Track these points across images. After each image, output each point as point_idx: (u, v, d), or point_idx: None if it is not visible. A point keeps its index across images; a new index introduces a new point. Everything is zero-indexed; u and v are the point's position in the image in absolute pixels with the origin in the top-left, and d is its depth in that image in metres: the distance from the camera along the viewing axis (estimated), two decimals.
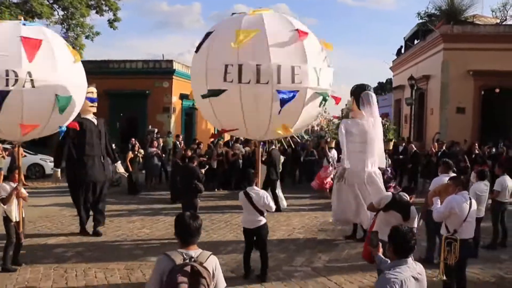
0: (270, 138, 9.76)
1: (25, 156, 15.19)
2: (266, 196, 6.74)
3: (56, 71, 6.55)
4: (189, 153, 11.89)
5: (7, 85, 6.10)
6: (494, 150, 15.38)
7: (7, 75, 6.06)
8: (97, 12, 22.10)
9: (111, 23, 22.73)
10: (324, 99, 7.22)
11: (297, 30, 6.74)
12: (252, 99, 6.74)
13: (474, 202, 5.59)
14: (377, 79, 68.68)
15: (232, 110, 6.90)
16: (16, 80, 6.15)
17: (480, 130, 19.48)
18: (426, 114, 21.90)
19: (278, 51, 6.61)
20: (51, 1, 19.88)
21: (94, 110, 9.06)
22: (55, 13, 20.28)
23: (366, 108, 8.64)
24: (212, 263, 3.19)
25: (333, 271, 7.02)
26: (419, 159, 14.27)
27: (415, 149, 14.54)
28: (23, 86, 6.17)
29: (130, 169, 13.22)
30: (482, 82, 19.38)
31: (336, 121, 14.66)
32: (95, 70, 22.44)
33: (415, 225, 5.49)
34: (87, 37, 21.82)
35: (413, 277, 3.18)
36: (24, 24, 6.86)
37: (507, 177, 8.14)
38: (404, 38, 27.71)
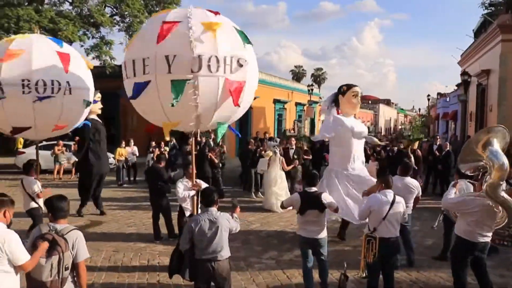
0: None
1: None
2: None
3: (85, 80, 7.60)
4: (157, 152, 12.65)
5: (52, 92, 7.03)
6: None
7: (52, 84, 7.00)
8: None
9: None
10: None
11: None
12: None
13: (400, 202, 5.57)
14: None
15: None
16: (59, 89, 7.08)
17: None
18: (487, 112, 20.56)
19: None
20: (112, 12, 21.79)
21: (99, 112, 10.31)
22: (118, 21, 22.12)
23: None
24: (74, 236, 3.88)
25: (294, 265, 7.26)
26: (451, 160, 13.55)
27: (448, 148, 13.85)
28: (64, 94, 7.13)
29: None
30: None
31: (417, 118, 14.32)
32: None
33: (335, 206, 5.91)
34: None
35: (208, 219, 4.75)
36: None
37: None
38: (472, 30, 26.10)
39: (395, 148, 14.29)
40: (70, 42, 19.62)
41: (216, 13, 6.28)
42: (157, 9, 24.19)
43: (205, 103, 5.88)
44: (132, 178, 16.13)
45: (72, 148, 16.80)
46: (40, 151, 17.12)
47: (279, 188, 11.59)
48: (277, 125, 31.06)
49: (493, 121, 19.07)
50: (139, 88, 5.92)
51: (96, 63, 21.94)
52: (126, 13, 21.91)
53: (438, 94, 46.28)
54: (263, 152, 12.23)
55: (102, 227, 9.75)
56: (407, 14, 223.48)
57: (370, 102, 74.17)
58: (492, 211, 5.25)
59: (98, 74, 23.14)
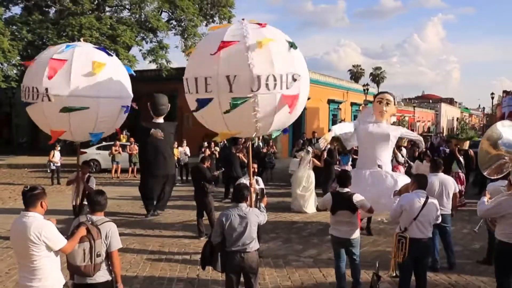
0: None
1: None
2: None
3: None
4: (208, 152, 12.81)
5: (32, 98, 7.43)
6: None
7: (32, 90, 7.40)
8: (213, 21, 24.35)
9: None
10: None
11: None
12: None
13: (433, 203, 5.47)
14: None
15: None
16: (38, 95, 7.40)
17: None
18: None
19: None
20: (169, 17, 22.65)
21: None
22: (175, 25, 22.99)
23: None
24: (107, 227, 4.24)
25: (332, 264, 7.16)
26: None
27: None
28: (42, 100, 7.36)
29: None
30: None
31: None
32: None
33: (368, 205, 5.88)
34: None
35: (238, 214, 4.96)
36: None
37: None
38: None
39: (447, 150, 13.83)
40: (128, 47, 20.64)
41: (263, 25, 6.71)
42: (212, 12, 24.88)
43: (263, 116, 6.44)
44: (184, 177, 16.69)
45: (128, 150, 17.62)
46: (100, 151, 18.52)
47: (304, 189, 11.44)
48: (331, 125, 30.83)
49: None
50: (203, 104, 6.43)
51: (153, 66, 22.91)
52: (182, 17, 22.67)
53: (504, 92, 43.81)
54: (296, 152, 12.30)
55: (151, 223, 10.25)
56: (473, 8, 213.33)
57: (431, 101, 71.49)
58: None
59: (155, 77, 24.41)
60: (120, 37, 18.49)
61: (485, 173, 5.75)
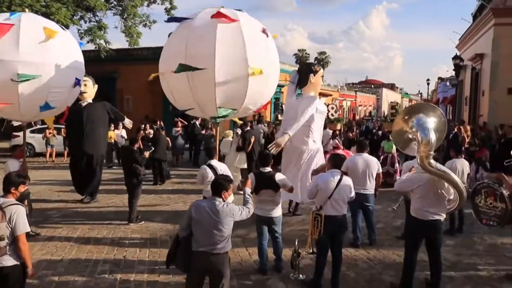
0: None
1: None
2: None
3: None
4: (141, 134, 12.76)
5: None
6: None
7: None
8: (154, 2, 23.75)
9: (168, 11, 24.28)
10: None
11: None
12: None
13: (347, 181, 5.73)
14: None
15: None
16: None
17: None
18: (479, 96, 20.57)
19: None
20: None
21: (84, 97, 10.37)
22: (115, 4, 22.23)
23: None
24: (12, 210, 4.12)
25: None
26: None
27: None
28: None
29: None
30: None
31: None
32: (152, 57, 24.31)
33: (289, 184, 6.11)
34: (144, 26, 23.57)
35: (210, 209, 4.35)
36: None
37: (458, 160, 7.94)
38: (471, 14, 25.85)
39: (380, 132, 14.43)
40: (64, 27, 19.76)
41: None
42: None
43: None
44: (121, 160, 16.38)
45: (63, 133, 16.97)
46: (34, 135, 17.74)
47: (235, 170, 11.33)
48: (273, 109, 31.15)
49: (485, 106, 19.12)
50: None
51: (91, 47, 22.14)
52: None
53: (439, 78, 46.01)
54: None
55: (82, 206, 10.07)
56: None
57: (373, 86, 73.77)
58: (436, 186, 5.36)
59: (94, 58, 23.54)
60: (55, 15, 17.65)
61: (406, 151, 6.07)
